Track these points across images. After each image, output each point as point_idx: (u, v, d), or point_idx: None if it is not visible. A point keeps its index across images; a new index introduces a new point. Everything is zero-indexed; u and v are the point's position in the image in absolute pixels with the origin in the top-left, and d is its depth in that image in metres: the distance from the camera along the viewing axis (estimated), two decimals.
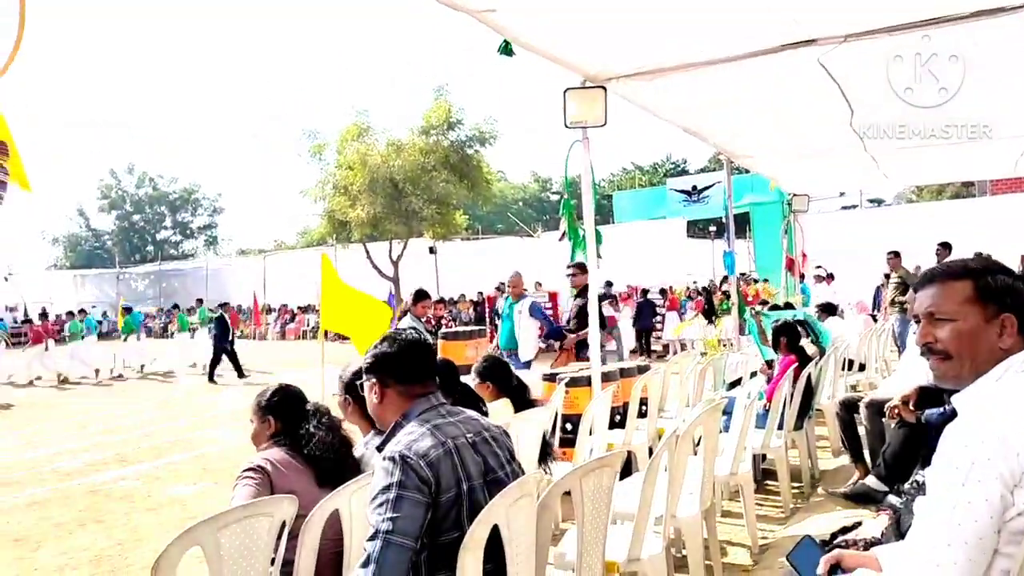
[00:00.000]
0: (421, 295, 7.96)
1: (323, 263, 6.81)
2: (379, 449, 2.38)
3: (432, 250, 25.79)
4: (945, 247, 10.56)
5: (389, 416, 2.45)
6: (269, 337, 31.01)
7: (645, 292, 16.45)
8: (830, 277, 18.28)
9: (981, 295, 1.76)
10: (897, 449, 4.61)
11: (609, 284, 14.72)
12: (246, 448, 3.35)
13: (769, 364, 6.66)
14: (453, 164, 23.06)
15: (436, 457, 2.25)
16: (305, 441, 2.99)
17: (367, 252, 25.09)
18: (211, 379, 16.43)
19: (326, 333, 6.67)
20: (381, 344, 2.50)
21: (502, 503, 2.27)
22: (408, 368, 2.46)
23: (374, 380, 2.47)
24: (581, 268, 7.62)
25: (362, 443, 3.20)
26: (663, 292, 19.14)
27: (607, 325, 13.94)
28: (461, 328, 7.55)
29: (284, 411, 3.12)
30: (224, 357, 16.44)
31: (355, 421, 3.40)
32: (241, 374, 16.39)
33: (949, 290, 1.80)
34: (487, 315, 7.96)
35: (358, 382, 2.66)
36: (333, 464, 2.97)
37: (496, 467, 2.42)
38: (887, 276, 16.75)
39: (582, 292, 7.77)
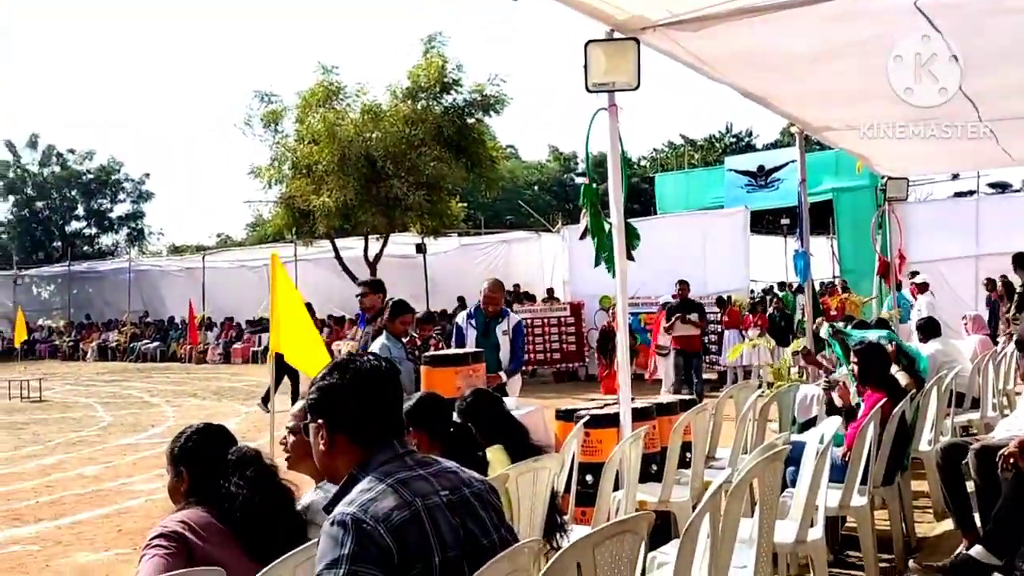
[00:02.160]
0: (400, 308, 7.96)
1: (273, 265, 6.85)
2: (327, 510, 2.37)
3: (420, 248, 25.81)
4: None
5: (340, 468, 2.46)
6: (209, 359, 31.19)
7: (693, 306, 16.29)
8: (923, 287, 18.20)
9: None
10: (1012, 510, 4.59)
11: (683, 292, 14.79)
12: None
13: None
14: (448, 137, 23.08)
15: (400, 521, 2.24)
16: (225, 503, 3.01)
17: (336, 251, 25.16)
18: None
19: (279, 358, 6.69)
20: (329, 374, 2.50)
21: None
22: (364, 407, 2.46)
23: (320, 423, 2.47)
24: (373, 287, 8.01)
25: (311, 494, 3.22)
26: (720, 303, 19.13)
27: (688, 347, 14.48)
28: (451, 351, 7.58)
29: (200, 460, 3.14)
30: None
31: (304, 467, 3.42)
32: None
33: None
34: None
35: (303, 423, 2.68)
36: (260, 531, 2.98)
37: (480, 534, 2.41)
38: (1004, 285, 16.68)
39: (374, 318, 8.16)
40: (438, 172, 22.71)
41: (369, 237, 24.77)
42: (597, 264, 6.11)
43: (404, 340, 7.82)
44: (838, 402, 6.78)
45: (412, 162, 22.62)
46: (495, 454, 4.24)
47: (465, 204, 27.77)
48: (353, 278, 24.60)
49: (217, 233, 63.35)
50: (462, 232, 30.82)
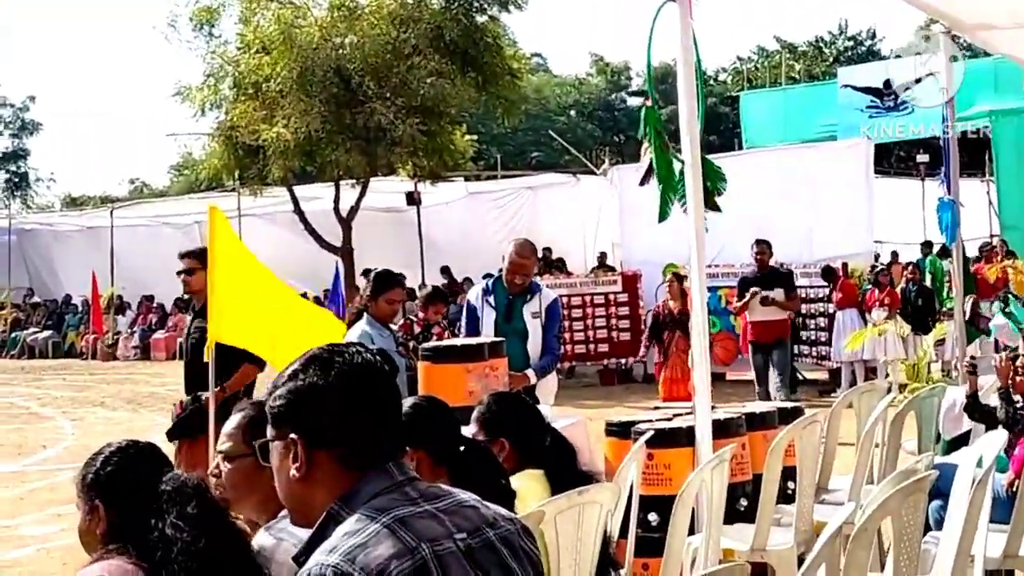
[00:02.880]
0: (386, 281, 7.96)
1: (211, 221, 6.87)
2: (298, 561, 2.37)
3: (413, 199, 25.81)
4: None
5: (316, 502, 2.45)
6: (121, 355, 31.35)
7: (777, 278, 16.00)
8: None
9: None
10: None
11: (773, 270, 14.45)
12: (78, 552, 3.40)
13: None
14: (451, 42, 23.05)
15: (401, 575, 2.25)
16: (158, 551, 3.02)
17: (295, 203, 25.23)
18: None
19: (219, 349, 6.74)
20: (303, 371, 2.50)
21: None
22: (356, 416, 2.46)
23: (293, 438, 2.48)
24: (200, 257, 7.72)
25: (261, 535, 3.24)
26: (827, 274, 19.06)
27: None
28: (460, 342, 7.60)
29: (124, 492, 3.15)
30: None
31: (249, 506, 3.43)
32: None
33: None
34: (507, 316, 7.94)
35: (259, 442, 2.68)
36: None
37: None
38: None
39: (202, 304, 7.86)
40: (437, 92, 22.67)
41: (341, 183, 24.81)
42: (663, 217, 6.09)
43: (394, 326, 7.84)
44: (993, 384, 6.71)
45: (401, 78, 22.60)
46: (528, 482, 4.25)
47: (475, 137, 27.74)
48: (319, 239, 24.73)
49: (130, 179, 63.78)
50: (470, 176, 30.82)
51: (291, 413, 2.48)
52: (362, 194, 24.70)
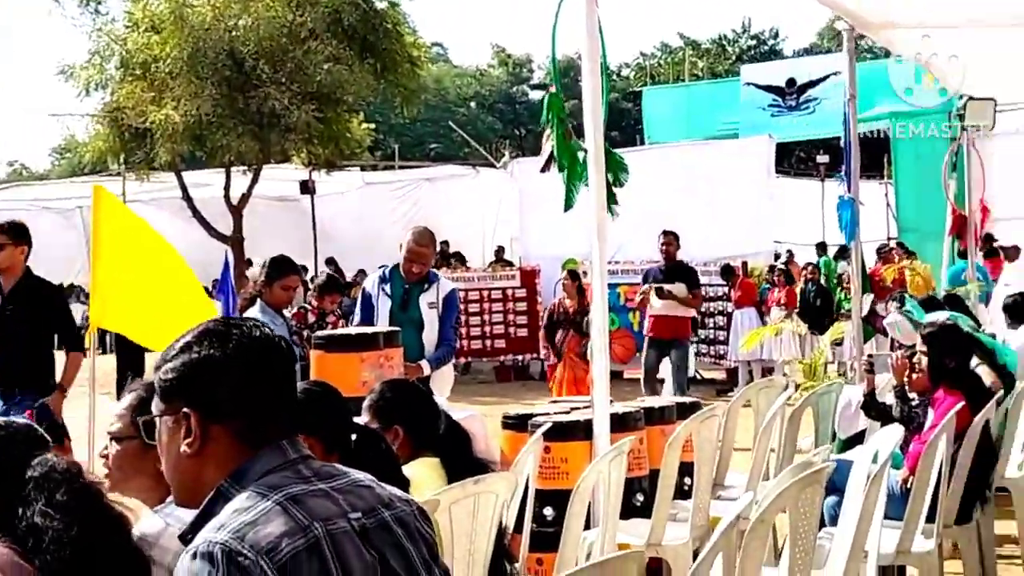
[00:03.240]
0: (281, 267, 7.90)
1: (96, 201, 6.77)
2: (184, 540, 2.35)
3: (307, 187, 25.63)
4: None
5: (207, 479, 2.44)
6: None
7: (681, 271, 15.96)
8: (1013, 253, 18.51)
9: None
10: None
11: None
12: None
13: (916, 408, 6.75)
14: (349, 28, 22.91)
15: (293, 553, 2.24)
16: (29, 539, 2.96)
17: (183, 188, 24.91)
18: None
19: (102, 335, 6.64)
20: (198, 344, 2.48)
21: None
22: (252, 392, 2.45)
23: (186, 411, 2.45)
24: (15, 233, 7.52)
25: (147, 518, 3.20)
26: (726, 272, 19.28)
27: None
28: (355, 331, 7.58)
29: None
30: None
31: (135, 489, 3.38)
32: None
33: None
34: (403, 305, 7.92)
35: (143, 418, 2.65)
36: None
37: (405, 572, 2.42)
38: None
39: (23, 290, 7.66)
40: (334, 78, 22.55)
41: (233, 169, 24.56)
42: (569, 207, 6.12)
43: (288, 313, 7.79)
44: (889, 382, 6.84)
45: (296, 63, 22.43)
46: (423, 470, 4.25)
47: (372, 126, 27.61)
48: (208, 227, 24.44)
49: (8, 162, 62.48)
50: (367, 165, 30.69)
51: (185, 386, 2.45)
52: (254, 181, 24.47)
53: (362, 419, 4.40)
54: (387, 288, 8.14)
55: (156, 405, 2.52)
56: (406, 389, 4.74)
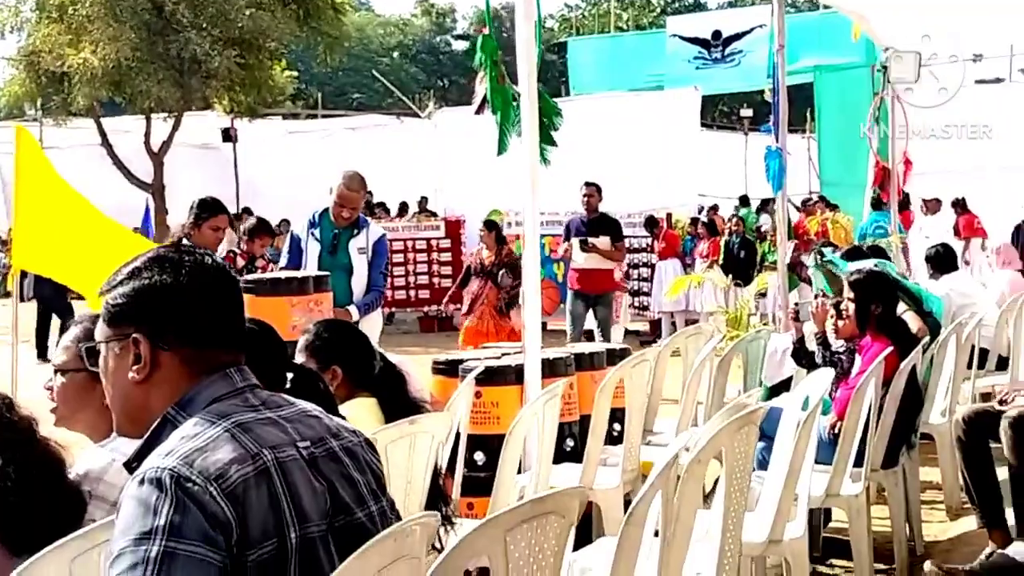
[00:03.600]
0: (210, 208, 7.82)
1: (18, 142, 6.65)
2: (129, 467, 2.33)
3: (229, 135, 25.39)
4: None
5: (155, 405, 2.41)
6: None
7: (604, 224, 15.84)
8: (934, 205, 18.79)
9: None
10: None
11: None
12: None
13: (839, 354, 6.82)
14: None
15: (242, 480, 2.23)
16: None
17: (103, 134, 24.57)
18: None
19: (23, 276, 6.53)
20: (149, 269, 2.45)
21: (364, 569, 2.25)
22: (204, 318, 2.44)
23: (136, 336, 2.42)
24: None
25: (92, 453, 3.16)
26: (650, 224, 19.36)
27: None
28: (284, 274, 7.52)
29: None
30: None
31: (81, 422, 3.33)
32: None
33: None
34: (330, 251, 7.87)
35: (87, 345, 2.61)
36: (16, 515, 2.90)
37: (354, 503, 2.43)
38: None
39: None
40: (256, 24, 22.37)
41: (153, 115, 24.27)
42: (502, 151, 6.09)
43: (219, 255, 7.71)
44: (814, 328, 6.92)
45: (218, 7, 22.22)
46: (360, 411, 4.24)
47: (295, 74, 27.38)
48: (128, 174, 24.15)
49: None
50: (289, 114, 30.45)
51: (137, 310, 2.43)
52: (175, 128, 24.23)
53: (298, 360, 4.37)
54: (316, 233, 8.08)
55: (102, 331, 2.49)
56: (343, 329, 4.74)
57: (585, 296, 12.91)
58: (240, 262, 8.81)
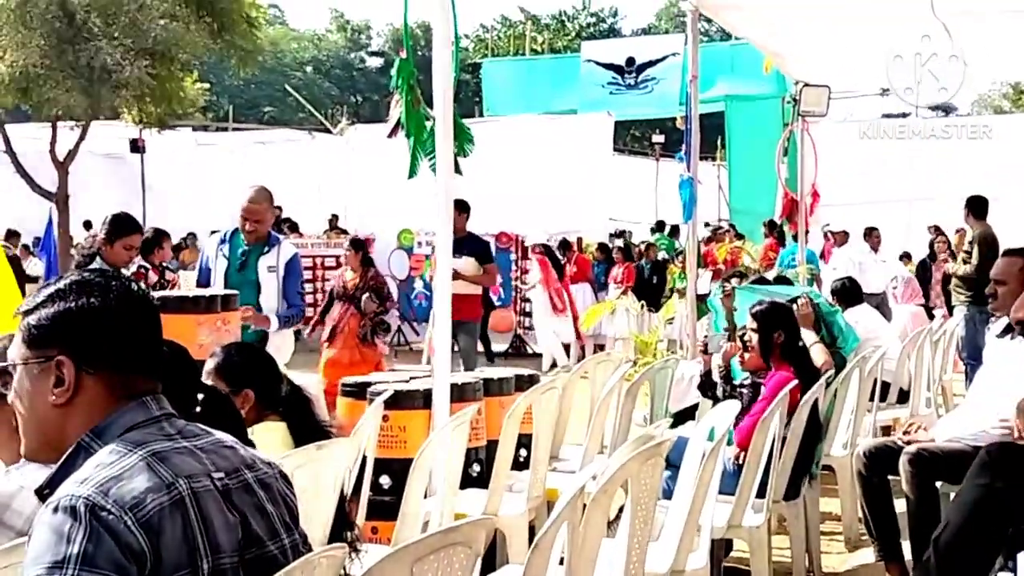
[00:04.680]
0: (123, 225, 7.75)
1: None
2: (42, 494, 2.32)
3: (137, 146, 25.09)
4: None
5: (71, 429, 2.39)
6: None
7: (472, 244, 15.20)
8: (842, 235, 19.08)
9: None
10: (961, 533, 4.89)
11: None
12: None
13: (741, 387, 6.88)
14: None
15: (157, 510, 2.22)
16: None
17: (6, 142, 24.15)
18: None
19: None
20: (74, 293, 2.42)
21: None
22: (130, 344, 2.43)
23: (60, 359, 2.39)
24: None
25: (1, 478, 3.11)
26: (563, 248, 19.46)
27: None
28: (192, 292, 7.45)
29: None
30: None
31: None
32: None
33: None
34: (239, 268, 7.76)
35: (11, 363, 2.57)
36: None
37: (266, 536, 2.43)
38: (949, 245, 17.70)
39: None
40: (169, 35, 22.07)
41: (59, 124, 23.91)
42: (412, 175, 6.10)
43: (129, 273, 7.63)
44: (735, 363, 6.98)
45: (131, 17, 21.89)
46: (270, 435, 4.22)
47: (206, 86, 27.13)
48: (32, 183, 23.74)
49: None
50: (199, 126, 30.16)
51: (62, 332, 2.40)
52: (82, 137, 23.84)
53: (207, 382, 4.33)
54: (224, 250, 8.02)
55: (20, 352, 2.45)
56: (253, 352, 4.72)
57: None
58: (153, 277, 8.72)
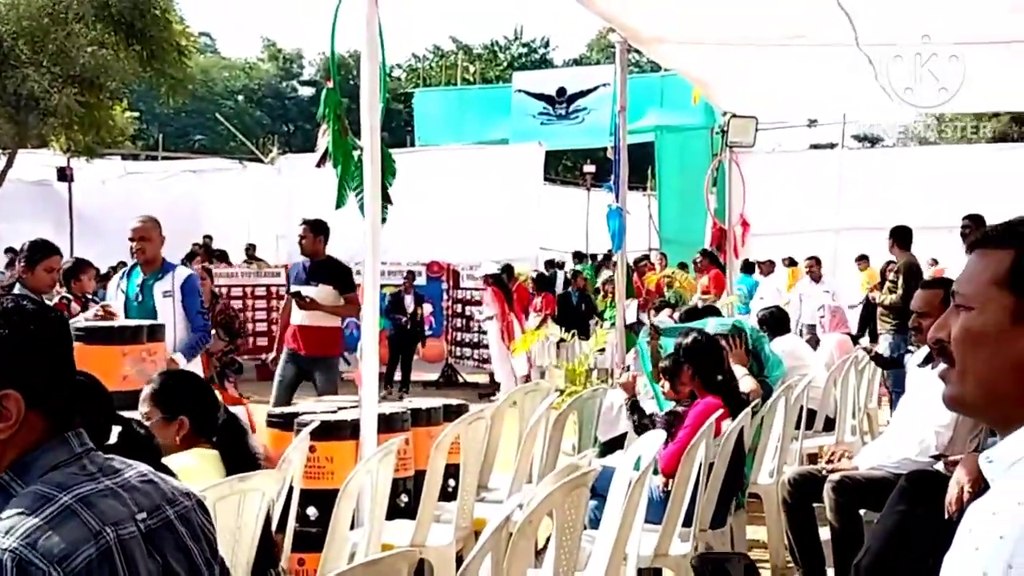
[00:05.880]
0: (44, 248, 7.69)
1: None
2: None
3: (65, 175, 24.87)
4: (976, 222, 11.41)
5: (2, 465, 2.29)
6: None
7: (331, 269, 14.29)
8: (767, 265, 19.26)
9: (1014, 277, 1.94)
10: (881, 558, 4.95)
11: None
12: None
13: (674, 417, 6.91)
14: (116, 12, 22.35)
15: (85, 564, 2.17)
16: None
17: None
18: None
19: None
20: (13, 321, 2.32)
21: None
22: (60, 377, 2.35)
23: (8, 392, 2.27)
24: None
25: None
26: (508, 273, 19.46)
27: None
28: (117, 323, 7.39)
29: None
30: None
31: None
32: None
33: (980, 263, 2.02)
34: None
35: None
36: None
37: (186, 573, 2.40)
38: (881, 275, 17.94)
39: None
40: (98, 63, 21.95)
41: None
42: (340, 205, 6.10)
43: (52, 301, 7.57)
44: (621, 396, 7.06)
45: (59, 45, 21.74)
46: (200, 462, 4.22)
47: (136, 114, 26.96)
48: None
49: None
50: (129, 154, 29.93)
51: (8, 364, 2.29)
52: (8, 165, 23.64)
53: (142, 411, 4.33)
54: (123, 284, 8.10)
55: None
56: (189, 380, 4.71)
57: (299, 359, 10.07)
58: (76, 308, 8.63)
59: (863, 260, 19.12)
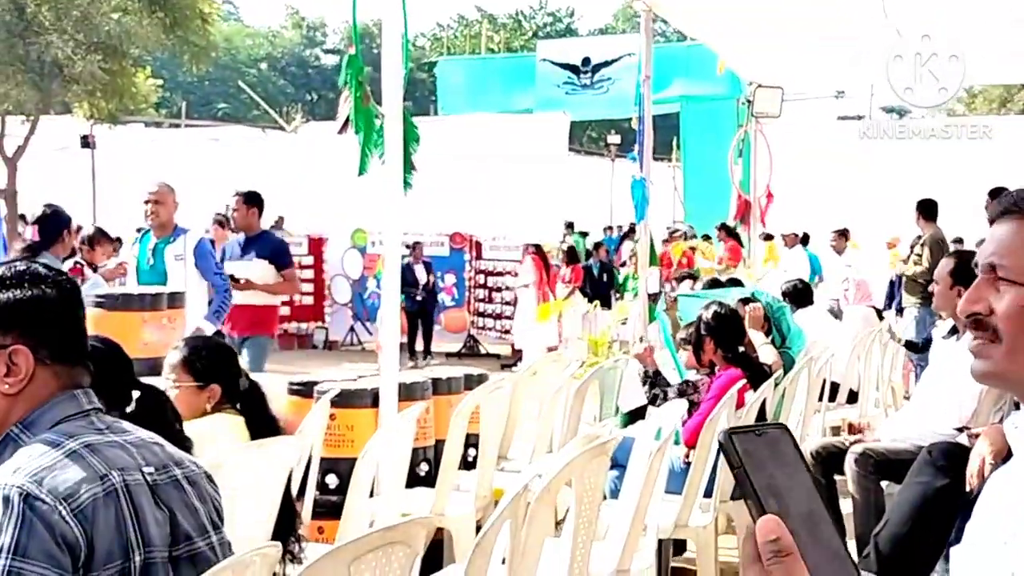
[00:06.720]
0: (59, 220, 7.71)
1: None
2: None
3: (88, 142, 24.92)
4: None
5: (13, 418, 2.38)
6: None
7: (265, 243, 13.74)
8: (799, 239, 19.17)
9: None
10: (901, 530, 4.94)
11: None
12: None
13: (688, 386, 6.88)
14: None
15: (91, 500, 2.22)
16: None
17: None
18: None
19: None
20: (30, 282, 2.41)
21: None
22: (74, 334, 2.44)
23: (17, 347, 2.37)
24: None
25: None
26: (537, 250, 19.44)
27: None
28: (137, 290, 7.42)
29: None
30: None
31: None
32: None
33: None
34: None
35: None
36: None
37: (195, 532, 2.43)
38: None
39: None
40: (121, 30, 21.98)
41: (9, 119, 23.72)
42: (362, 172, 6.09)
43: (68, 266, 7.62)
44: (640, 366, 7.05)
45: (82, 11, 21.81)
46: (226, 424, 4.28)
47: (159, 81, 27.00)
48: None
49: None
50: (152, 122, 30.00)
51: (20, 321, 2.39)
52: (31, 132, 23.69)
53: (169, 377, 4.37)
54: (135, 250, 8.17)
55: None
56: (221, 348, 4.71)
57: (233, 340, 8.84)
58: (88, 273, 8.68)
59: (892, 243, 19.02)
